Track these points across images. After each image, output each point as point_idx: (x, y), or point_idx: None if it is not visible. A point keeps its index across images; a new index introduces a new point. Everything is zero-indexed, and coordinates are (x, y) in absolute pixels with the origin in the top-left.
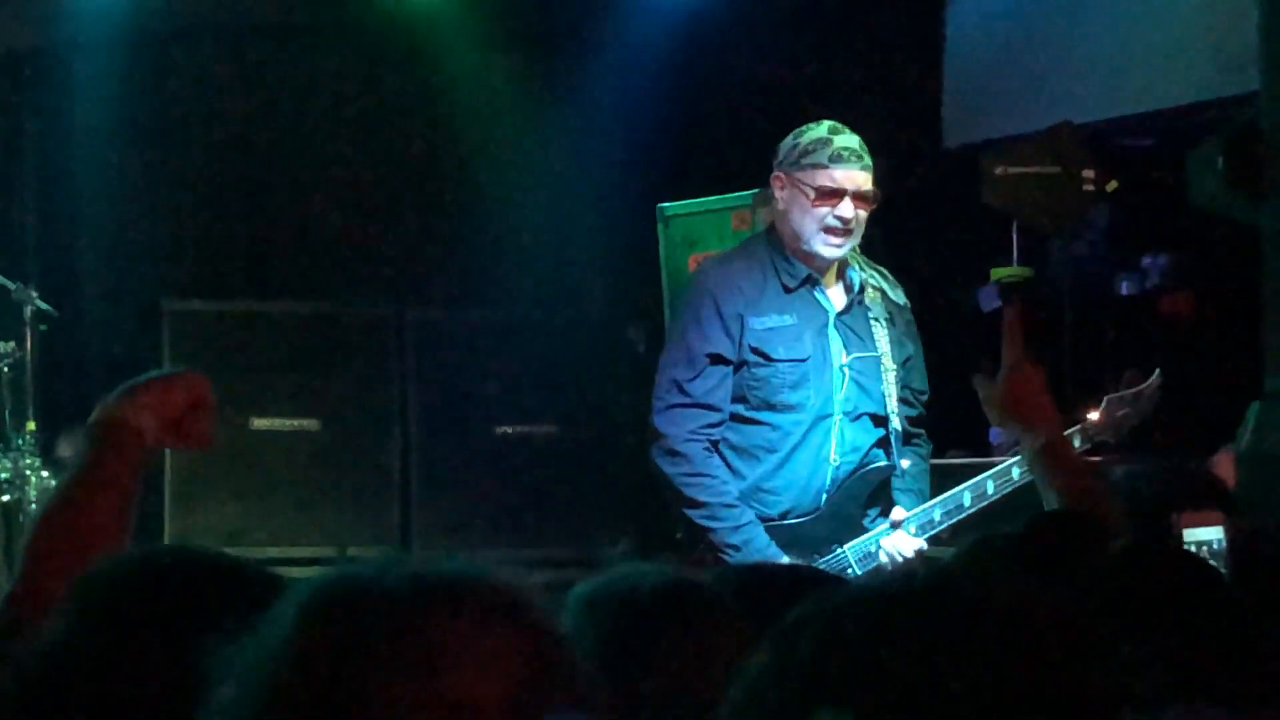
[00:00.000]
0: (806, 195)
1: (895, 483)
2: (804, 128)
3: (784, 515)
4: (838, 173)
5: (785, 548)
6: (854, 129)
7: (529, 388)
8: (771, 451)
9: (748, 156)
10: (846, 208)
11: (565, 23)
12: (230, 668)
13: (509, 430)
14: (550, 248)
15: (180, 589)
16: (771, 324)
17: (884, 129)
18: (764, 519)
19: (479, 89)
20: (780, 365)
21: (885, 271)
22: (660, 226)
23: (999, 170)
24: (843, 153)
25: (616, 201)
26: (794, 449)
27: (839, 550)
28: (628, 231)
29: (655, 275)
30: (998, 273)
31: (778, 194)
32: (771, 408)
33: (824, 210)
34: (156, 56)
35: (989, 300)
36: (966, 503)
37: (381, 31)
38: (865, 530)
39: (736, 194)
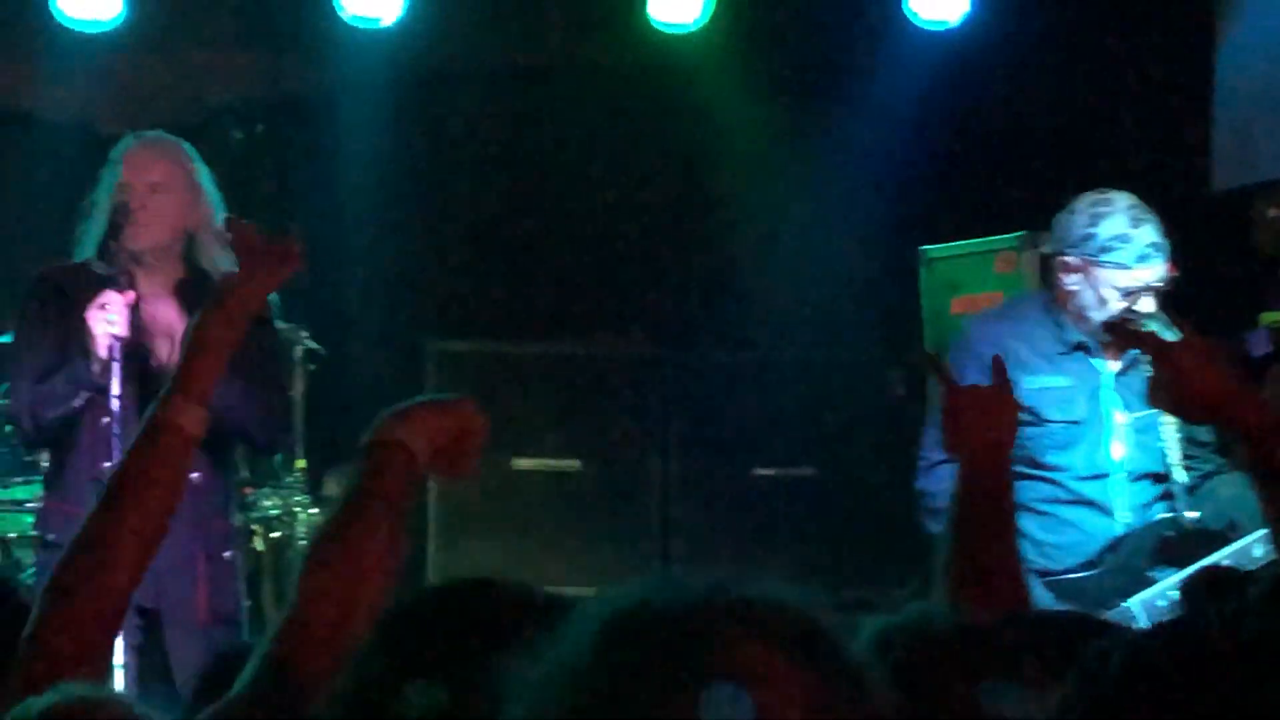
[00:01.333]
0: (1106, 293)
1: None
2: (1097, 206)
3: (1066, 570)
4: (1144, 272)
5: (1067, 601)
6: (1121, 170)
7: (787, 430)
8: (1051, 503)
9: (1012, 198)
10: (1148, 302)
11: (827, 65)
12: (524, 688)
13: (767, 472)
14: (810, 290)
15: (483, 616)
16: (1045, 384)
17: (1151, 170)
18: (1045, 573)
19: (740, 130)
20: (1052, 426)
21: (1166, 320)
22: (922, 269)
23: (1271, 213)
24: (1148, 251)
25: (877, 243)
26: (1072, 505)
27: (1124, 605)
28: (889, 274)
29: (916, 318)
30: (1268, 317)
31: (1066, 275)
32: (1038, 466)
33: (1123, 306)
34: (421, 100)
35: (1259, 345)
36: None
37: (643, 75)
38: (1151, 584)
39: (1000, 236)
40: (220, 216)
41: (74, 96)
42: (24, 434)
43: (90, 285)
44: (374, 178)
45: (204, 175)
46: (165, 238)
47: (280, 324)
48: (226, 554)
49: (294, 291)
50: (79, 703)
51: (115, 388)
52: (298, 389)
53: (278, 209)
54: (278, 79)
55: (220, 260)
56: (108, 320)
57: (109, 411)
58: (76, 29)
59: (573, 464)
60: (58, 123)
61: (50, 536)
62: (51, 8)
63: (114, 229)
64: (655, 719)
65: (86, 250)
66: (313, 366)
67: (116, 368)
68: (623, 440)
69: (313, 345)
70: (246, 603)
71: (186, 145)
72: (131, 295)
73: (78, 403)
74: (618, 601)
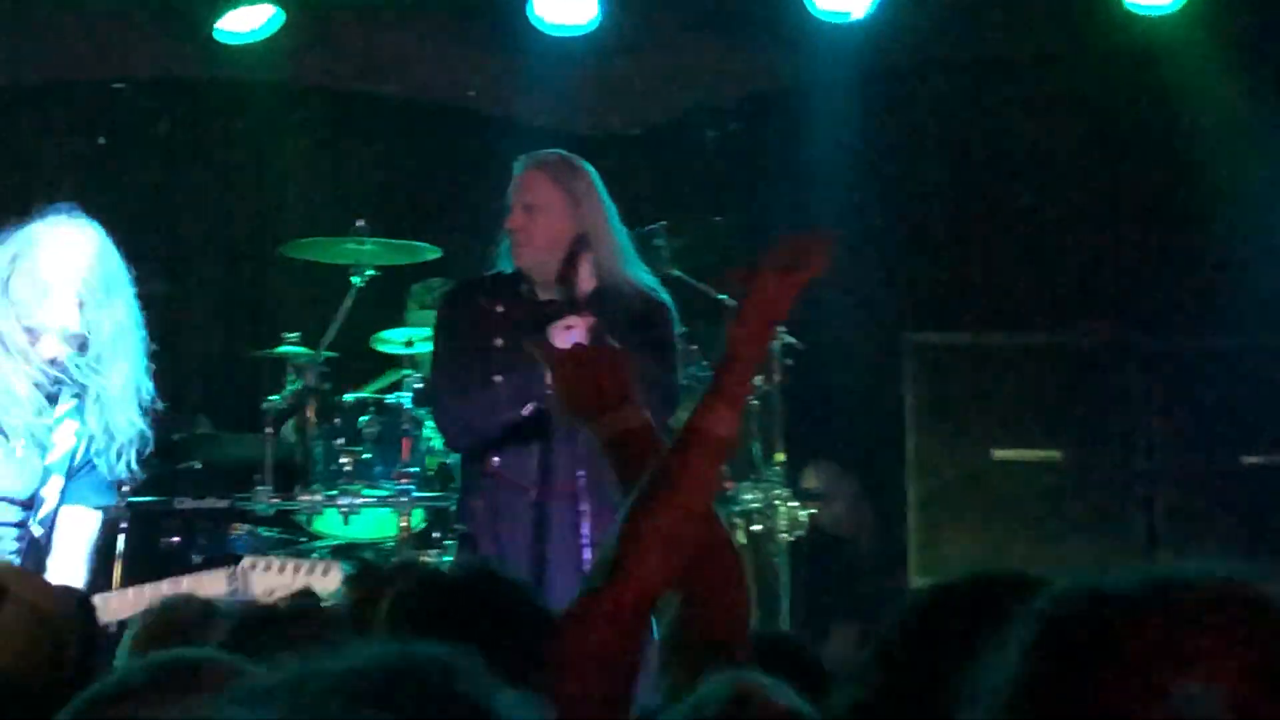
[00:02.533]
0: None
1: None
2: None
3: None
4: None
5: None
6: None
7: (1273, 415)
8: None
9: None
10: None
11: None
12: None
13: (1256, 460)
14: None
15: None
16: None
17: None
18: None
19: (1218, 111)
20: None
21: None
22: None
23: None
24: None
25: None
26: None
27: None
28: None
29: None
30: None
31: None
32: None
33: None
34: (892, 93)
35: None
36: None
37: (1112, 56)
38: None
39: None
40: (614, 229)
41: (552, 99)
42: (453, 442)
43: (506, 298)
44: (847, 172)
45: (593, 191)
46: (542, 256)
47: None
48: None
49: None
50: (756, 688)
51: None
52: (774, 384)
53: (751, 206)
54: (750, 77)
55: (614, 271)
56: (569, 341)
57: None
58: (554, 33)
59: (1053, 454)
60: (537, 126)
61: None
62: (529, 14)
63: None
64: (1111, 712)
65: (504, 263)
66: (790, 361)
67: None
68: (1103, 430)
69: (790, 340)
70: None
71: (580, 162)
72: (593, 320)
73: (525, 412)
74: (1066, 592)
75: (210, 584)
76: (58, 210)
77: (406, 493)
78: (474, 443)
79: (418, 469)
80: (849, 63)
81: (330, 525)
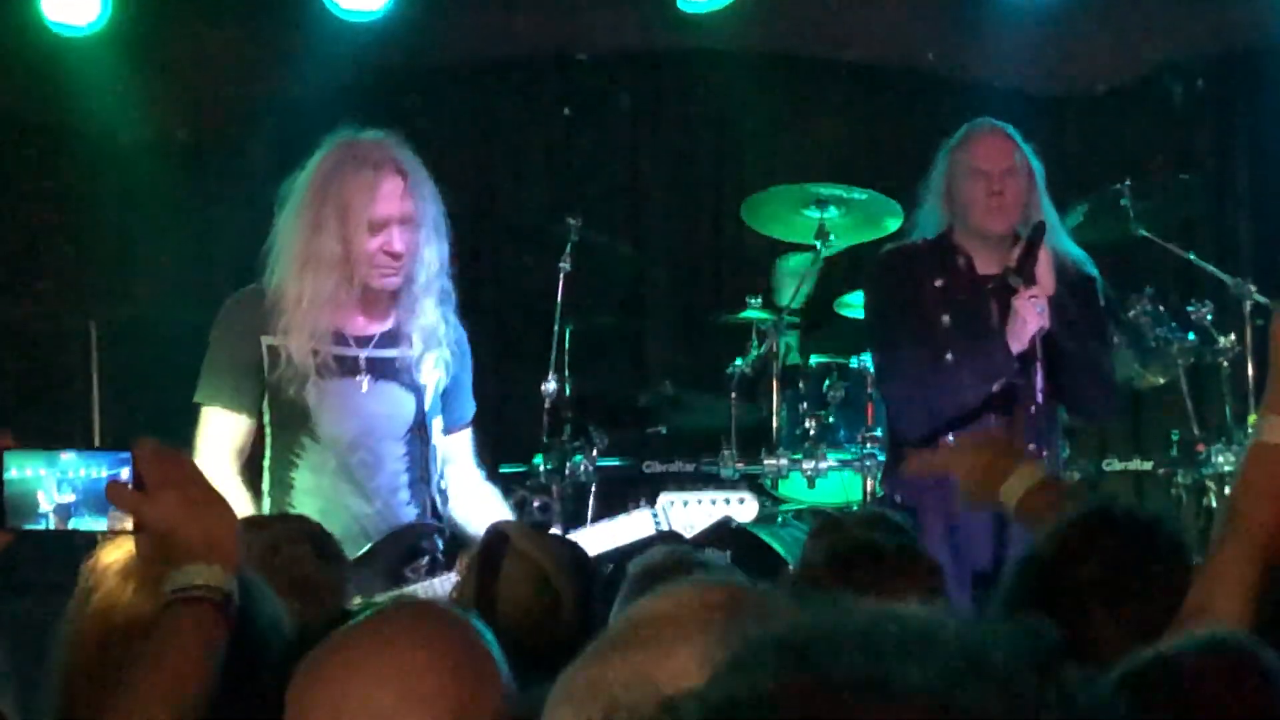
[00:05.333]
0: None
1: None
2: None
3: None
4: None
5: None
6: None
7: None
8: None
9: None
10: None
11: None
12: None
13: None
14: None
15: None
16: None
17: None
18: None
19: None
20: None
21: None
22: None
23: None
24: None
25: None
26: None
27: None
28: None
29: None
30: None
31: None
32: None
33: None
34: None
35: None
36: None
37: None
38: None
39: None
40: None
41: (1012, 60)
42: (910, 429)
43: (945, 272)
44: None
45: (1033, 162)
46: (1016, 221)
47: (1226, 278)
48: None
49: (1239, 244)
50: None
51: (1039, 379)
52: (1247, 344)
53: (1220, 165)
54: (1219, 33)
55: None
56: (1037, 311)
57: (1030, 399)
58: None
59: None
60: (997, 86)
61: (896, 497)
62: None
63: (964, 211)
64: None
65: (927, 230)
66: (1261, 321)
67: (1038, 365)
68: None
69: (1261, 299)
70: None
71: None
72: (1051, 294)
73: (996, 388)
74: None
75: (637, 524)
76: (352, 132)
77: (871, 456)
78: (933, 430)
79: (882, 432)
80: None
81: (795, 489)
